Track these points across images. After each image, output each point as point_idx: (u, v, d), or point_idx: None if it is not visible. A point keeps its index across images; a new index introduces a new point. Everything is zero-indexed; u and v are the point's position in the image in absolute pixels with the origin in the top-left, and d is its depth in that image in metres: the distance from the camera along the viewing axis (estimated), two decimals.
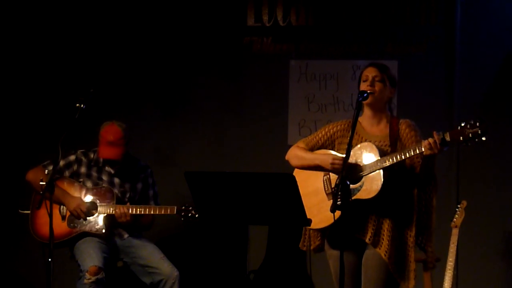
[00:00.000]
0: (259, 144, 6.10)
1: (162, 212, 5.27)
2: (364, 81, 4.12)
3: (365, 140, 4.13)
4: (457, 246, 5.02)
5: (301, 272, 6.04)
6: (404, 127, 4.13)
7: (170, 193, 5.79)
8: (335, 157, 4.05)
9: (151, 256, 5.30)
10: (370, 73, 4.12)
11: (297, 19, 6.12)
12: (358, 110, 3.98)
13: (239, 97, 6.18)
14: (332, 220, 3.86)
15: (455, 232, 5.03)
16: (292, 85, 6.12)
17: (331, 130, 4.24)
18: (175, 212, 5.25)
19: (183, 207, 5.23)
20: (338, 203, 3.74)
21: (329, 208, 3.80)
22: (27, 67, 6.33)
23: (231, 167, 5.96)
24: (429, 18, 5.95)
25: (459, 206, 5.09)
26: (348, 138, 4.05)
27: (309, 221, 3.85)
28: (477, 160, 5.77)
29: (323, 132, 4.26)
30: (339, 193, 3.73)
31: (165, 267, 5.24)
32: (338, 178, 3.76)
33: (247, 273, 5.78)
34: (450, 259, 4.97)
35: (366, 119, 4.18)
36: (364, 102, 4.06)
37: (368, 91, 4.05)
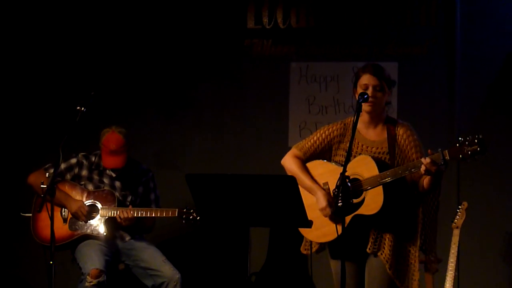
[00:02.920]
0: (260, 146, 6.10)
1: (164, 215, 5.27)
2: (364, 90, 4.08)
3: (362, 145, 4.12)
4: (458, 247, 5.01)
5: (303, 274, 6.04)
6: (401, 132, 4.11)
7: (171, 196, 5.78)
8: (325, 207, 4.04)
9: (153, 259, 5.30)
10: (370, 82, 4.07)
11: (297, 21, 6.13)
12: (359, 113, 3.97)
13: (239, 99, 6.19)
14: (337, 235, 3.87)
15: (456, 233, 5.03)
16: (293, 87, 6.12)
17: (328, 136, 4.21)
18: (176, 215, 5.25)
19: (185, 210, 5.23)
20: (339, 204, 3.74)
21: (330, 221, 3.81)
22: (28, 70, 6.33)
23: (232, 169, 5.96)
24: (430, 19, 5.95)
25: (460, 207, 5.09)
26: (345, 143, 4.06)
27: (310, 223, 3.85)
28: (477, 161, 5.76)
29: (320, 139, 4.23)
30: (340, 194, 3.73)
31: (166, 270, 5.24)
32: (338, 179, 3.75)
33: (248, 275, 5.78)
34: (451, 260, 4.96)
35: (362, 122, 4.15)
36: (363, 108, 4.05)
37: (370, 101, 4.03)
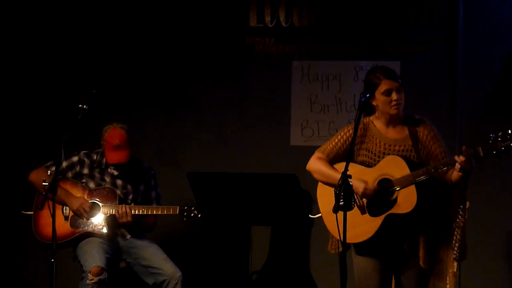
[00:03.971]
0: (261, 145, 6.09)
1: (165, 212, 5.27)
2: (387, 96, 4.06)
3: (385, 144, 4.11)
4: None
5: (304, 272, 6.04)
6: (422, 128, 4.12)
7: (173, 194, 5.78)
8: (367, 187, 4.02)
9: (154, 257, 5.30)
10: (392, 86, 4.05)
11: (300, 20, 6.12)
12: (361, 111, 3.97)
13: (241, 98, 6.18)
14: (371, 234, 3.90)
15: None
16: (295, 86, 6.12)
17: (350, 137, 4.14)
18: (177, 212, 5.25)
19: (186, 207, 5.23)
20: (341, 203, 3.74)
21: (363, 221, 3.81)
22: (29, 68, 6.33)
23: (234, 168, 5.95)
24: (432, 18, 5.95)
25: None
26: (366, 143, 4.06)
27: (311, 222, 3.85)
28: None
29: (342, 140, 4.21)
30: (342, 193, 3.73)
31: (168, 268, 5.24)
32: (340, 178, 3.76)
33: (249, 274, 5.77)
34: None
35: (381, 122, 4.15)
36: (391, 113, 4.06)
37: (396, 104, 4.04)
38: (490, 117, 5.80)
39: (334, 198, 4.01)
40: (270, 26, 6.16)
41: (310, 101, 6.10)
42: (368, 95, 4.01)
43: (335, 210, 3.76)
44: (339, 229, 3.73)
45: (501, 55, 5.86)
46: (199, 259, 6.10)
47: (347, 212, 3.97)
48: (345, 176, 3.74)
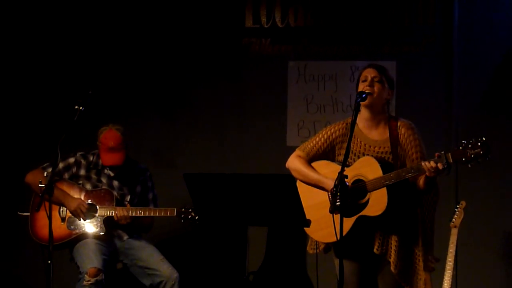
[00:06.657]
0: (258, 145, 6.10)
1: (162, 214, 5.27)
2: (363, 82, 4.11)
3: (365, 145, 4.11)
4: (456, 246, 5.02)
5: (300, 273, 6.04)
6: (403, 131, 4.11)
7: (169, 195, 5.78)
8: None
9: (151, 258, 5.30)
10: (369, 73, 4.11)
11: (296, 20, 6.13)
12: (357, 112, 3.96)
13: (237, 98, 6.18)
14: (339, 237, 3.87)
15: (454, 232, 5.03)
16: (291, 86, 6.12)
17: (331, 136, 4.21)
18: (175, 214, 5.25)
19: (183, 209, 5.23)
20: (337, 203, 3.74)
21: (338, 222, 3.82)
22: (26, 68, 6.32)
23: (230, 168, 5.95)
24: (427, 18, 5.96)
25: (458, 206, 5.10)
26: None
27: (308, 222, 3.85)
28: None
29: (322, 139, 4.23)
30: (338, 194, 3.73)
31: (164, 269, 5.24)
32: (336, 178, 3.75)
33: (246, 275, 5.77)
34: (449, 259, 4.97)
35: (363, 121, 4.15)
36: (362, 103, 4.05)
37: (367, 91, 4.04)
38: (486, 117, 5.80)
39: (311, 196, 4.02)
40: (266, 26, 6.16)
41: (306, 101, 6.10)
42: (364, 95, 4.01)
43: (332, 211, 3.76)
44: (336, 230, 3.72)
45: (496, 54, 5.87)
46: (196, 260, 6.10)
47: (321, 211, 3.98)
48: (342, 177, 3.74)
